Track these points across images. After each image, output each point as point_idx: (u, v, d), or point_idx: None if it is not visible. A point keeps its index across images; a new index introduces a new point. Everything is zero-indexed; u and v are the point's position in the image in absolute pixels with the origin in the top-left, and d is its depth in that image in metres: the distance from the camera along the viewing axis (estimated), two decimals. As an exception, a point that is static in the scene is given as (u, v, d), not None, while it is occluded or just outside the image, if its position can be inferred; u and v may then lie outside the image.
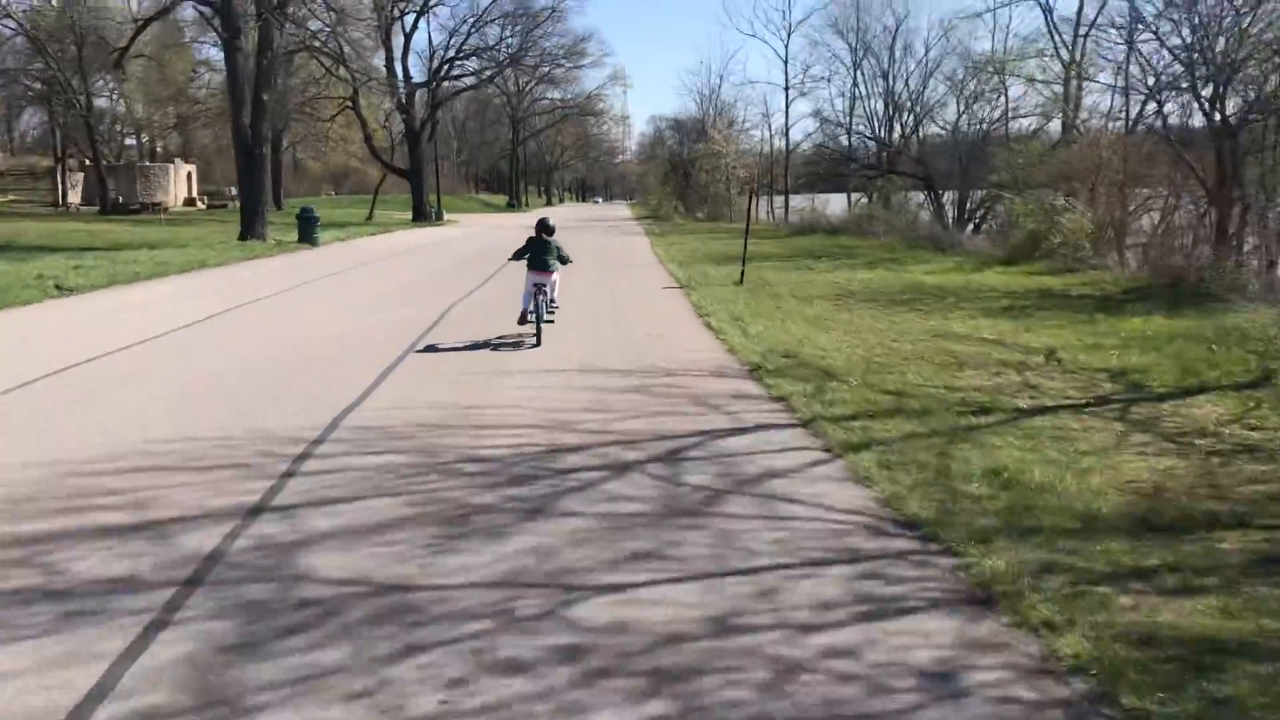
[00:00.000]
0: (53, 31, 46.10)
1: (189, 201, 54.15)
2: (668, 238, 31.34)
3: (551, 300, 10.46)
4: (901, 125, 44.06)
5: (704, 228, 39.61)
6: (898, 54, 46.02)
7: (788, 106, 62.07)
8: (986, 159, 30.75)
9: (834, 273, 18.42)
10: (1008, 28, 54.44)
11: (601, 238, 31.28)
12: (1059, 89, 30.71)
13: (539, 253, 10.24)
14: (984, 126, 34.66)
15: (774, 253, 23.03)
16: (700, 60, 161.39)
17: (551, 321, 10.43)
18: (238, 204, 53.52)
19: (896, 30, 46.55)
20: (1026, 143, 29.25)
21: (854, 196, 43.55)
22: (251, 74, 23.35)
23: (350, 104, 44.53)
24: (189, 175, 56.22)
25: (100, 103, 58.75)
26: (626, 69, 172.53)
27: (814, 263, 20.65)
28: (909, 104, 43.25)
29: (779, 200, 50.16)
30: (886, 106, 45.33)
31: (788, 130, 59.80)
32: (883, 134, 44.79)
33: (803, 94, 67.81)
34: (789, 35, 59.09)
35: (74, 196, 51.94)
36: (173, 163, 56.30)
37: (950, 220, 32.13)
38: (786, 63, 55.45)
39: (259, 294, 14.58)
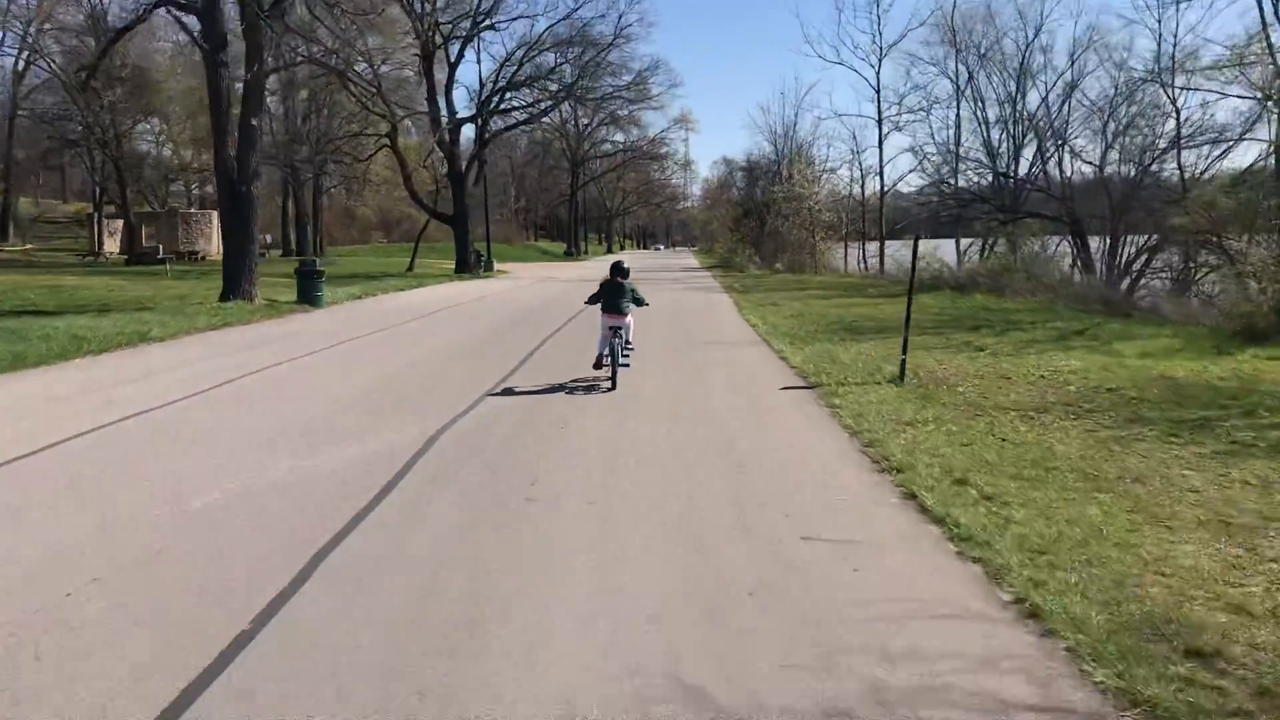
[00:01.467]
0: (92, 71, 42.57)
1: (230, 250, 50.19)
2: (752, 295, 25.85)
3: (627, 343, 10.44)
4: (1043, 156, 36.59)
5: (789, 281, 34.05)
6: (1032, 69, 39.38)
7: (881, 142, 56.19)
8: (1152, 197, 24.70)
9: (1019, 357, 12.81)
10: (1175, 35, 47.20)
11: (673, 295, 25.84)
12: (1258, 103, 24.13)
13: (613, 296, 10.09)
14: (1146, 156, 27.93)
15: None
16: (778, 93, 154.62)
17: (627, 365, 10.33)
18: (272, 253, 50.03)
19: (1030, 43, 40.30)
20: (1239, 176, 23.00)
21: (964, 243, 37.59)
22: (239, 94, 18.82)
23: (388, 141, 39.96)
24: (231, 222, 52.37)
25: (146, 147, 56.00)
26: (691, 110, 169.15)
27: (974, 337, 15.09)
28: (1047, 130, 35.80)
29: (871, 247, 44.10)
30: (1011, 136, 38.38)
31: (882, 168, 53.60)
32: (1008, 168, 37.52)
33: (898, 128, 61.26)
34: (880, 60, 53.41)
35: (112, 244, 48.31)
36: (215, 210, 52.70)
37: (1101, 273, 25.99)
38: (879, 91, 49.29)
39: (163, 397, 9.50)
